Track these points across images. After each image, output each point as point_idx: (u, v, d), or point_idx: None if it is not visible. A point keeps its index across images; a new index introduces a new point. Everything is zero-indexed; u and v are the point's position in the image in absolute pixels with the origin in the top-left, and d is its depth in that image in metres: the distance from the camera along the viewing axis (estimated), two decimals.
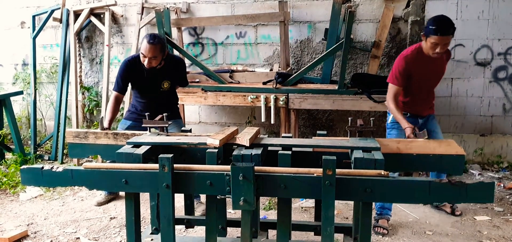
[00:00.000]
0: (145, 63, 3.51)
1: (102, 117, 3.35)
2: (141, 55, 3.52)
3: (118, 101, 3.69)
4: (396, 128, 3.58)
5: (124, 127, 3.79)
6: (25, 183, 2.20)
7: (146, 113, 2.74)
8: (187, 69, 5.39)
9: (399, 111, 3.34)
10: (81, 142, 2.67)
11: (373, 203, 3.16)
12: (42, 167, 2.14)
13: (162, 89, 3.77)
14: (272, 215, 3.79)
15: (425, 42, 3.29)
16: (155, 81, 3.71)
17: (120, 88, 3.70)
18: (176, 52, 5.14)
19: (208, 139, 2.27)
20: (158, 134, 2.61)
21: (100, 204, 4.13)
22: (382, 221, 3.55)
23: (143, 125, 2.65)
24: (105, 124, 3.28)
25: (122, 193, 4.31)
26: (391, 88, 3.43)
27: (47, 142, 5.94)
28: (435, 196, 1.94)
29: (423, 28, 3.40)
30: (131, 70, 3.67)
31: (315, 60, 4.74)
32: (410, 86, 3.48)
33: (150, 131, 2.67)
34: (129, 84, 3.78)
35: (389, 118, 3.66)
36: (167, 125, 2.63)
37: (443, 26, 3.16)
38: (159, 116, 2.71)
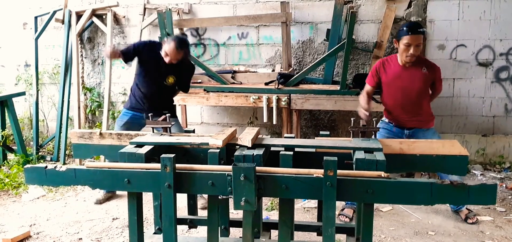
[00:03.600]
0: (166, 60, 3.67)
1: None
2: (163, 51, 3.67)
3: (119, 56, 3.81)
4: (380, 134, 3.65)
5: (125, 119, 3.87)
6: (29, 182, 2.21)
7: (150, 114, 2.75)
8: None
9: (364, 98, 3.51)
10: (85, 142, 2.68)
11: None
12: (46, 166, 2.15)
13: (165, 83, 3.86)
14: (274, 216, 3.79)
15: (398, 46, 3.46)
16: (163, 72, 3.81)
17: (127, 54, 3.81)
18: None
19: (210, 139, 2.28)
20: (161, 134, 2.61)
21: (99, 202, 4.18)
22: (347, 210, 3.81)
23: (146, 125, 2.67)
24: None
25: (119, 191, 4.35)
26: (365, 86, 3.69)
27: (49, 142, 5.96)
28: (437, 198, 1.93)
29: (396, 34, 3.53)
30: (145, 50, 3.80)
31: (317, 61, 4.75)
32: (386, 94, 3.62)
33: (153, 131, 2.68)
34: (136, 59, 3.87)
35: (379, 123, 3.72)
36: (170, 125, 2.63)
37: (413, 26, 3.38)
38: (162, 116, 2.72)
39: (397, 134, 3.64)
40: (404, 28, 3.38)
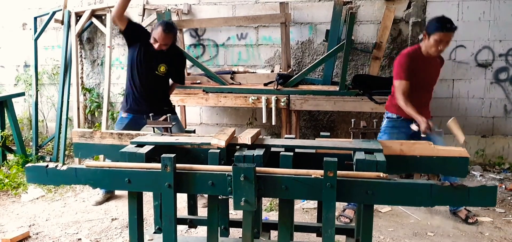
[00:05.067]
0: (156, 46, 3.71)
1: None
2: (152, 39, 3.70)
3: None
4: (388, 133, 3.63)
5: (125, 122, 3.87)
6: (30, 181, 2.23)
7: (150, 114, 2.75)
8: (189, 71, 5.42)
9: (411, 107, 3.32)
10: (86, 142, 2.68)
11: None
12: (47, 165, 2.15)
13: (157, 73, 3.87)
14: (274, 216, 3.79)
15: (427, 40, 3.40)
16: (154, 62, 3.84)
17: (130, 22, 3.81)
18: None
19: (212, 139, 2.28)
20: (162, 134, 2.62)
21: (98, 203, 4.18)
22: (348, 211, 3.80)
23: (146, 125, 2.67)
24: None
25: (117, 192, 4.34)
26: (399, 85, 3.42)
27: (49, 143, 5.95)
28: (437, 199, 1.93)
29: (425, 27, 3.47)
30: (144, 37, 3.81)
31: (316, 61, 4.75)
32: (409, 87, 3.50)
33: (154, 131, 2.68)
34: (133, 39, 3.86)
35: (384, 122, 3.69)
36: (171, 125, 2.63)
37: (447, 23, 3.33)
38: (163, 116, 2.72)
39: (405, 128, 3.57)
40: (437, 25, 3.34)
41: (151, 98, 3.88)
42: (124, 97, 4.07)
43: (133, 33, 3.84)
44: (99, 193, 4.25)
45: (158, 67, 3.85)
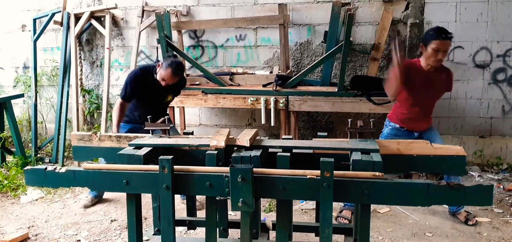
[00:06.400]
0: (163, 84, 3.75)
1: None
2: (159, 75, 3.73)
3: (123, 108, 3.90)
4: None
5: (121, 132, 3.88)
6: (29, 183, 2.23)
7: (148, 116, 2.76)
8: (188, 72, 5.44)
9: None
10: (85, 145, 2.68)
11: None
12: (46, 168, 2.16)
13: (164, 102, 4.01)
14: (272, 217, 3.80)
15: (426, 51, 3.41)
16: (161, 95, 3.94)
17: (128, 97, 3.87)
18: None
19: (212, 141, 2.28)
20: (160, 136, 2.62)
21: (86, 206, 4.16)
22: (345, 212, 3.81)
23: (145, 127, 2.67)
24: (114, 130, 3.72)
25: (105, 195, 4.33)
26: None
27: (48, 144, 5.96)
28: (434, 199, 1.93)
29: (422, 39, 3.50)
30: (141, 81, 3.86)
31: (314, 62, 4.76)
32: (408, 99, 3.55)
33: (152, 133, 2.68)
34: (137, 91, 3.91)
35: (386, 129, 3.71)
36: (169, 127, 2.64)
37: (444, 32, 3.33)
38: (161, 119, 2.73)
39: (407, 137, 3.59)
40: (433, 33, 3.36)
41: (152, 115, 3.93)
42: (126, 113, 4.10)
43: (136, 91, 3.86)
44: (87, 196, 4.25)
45: (165, 97, 3.98)
